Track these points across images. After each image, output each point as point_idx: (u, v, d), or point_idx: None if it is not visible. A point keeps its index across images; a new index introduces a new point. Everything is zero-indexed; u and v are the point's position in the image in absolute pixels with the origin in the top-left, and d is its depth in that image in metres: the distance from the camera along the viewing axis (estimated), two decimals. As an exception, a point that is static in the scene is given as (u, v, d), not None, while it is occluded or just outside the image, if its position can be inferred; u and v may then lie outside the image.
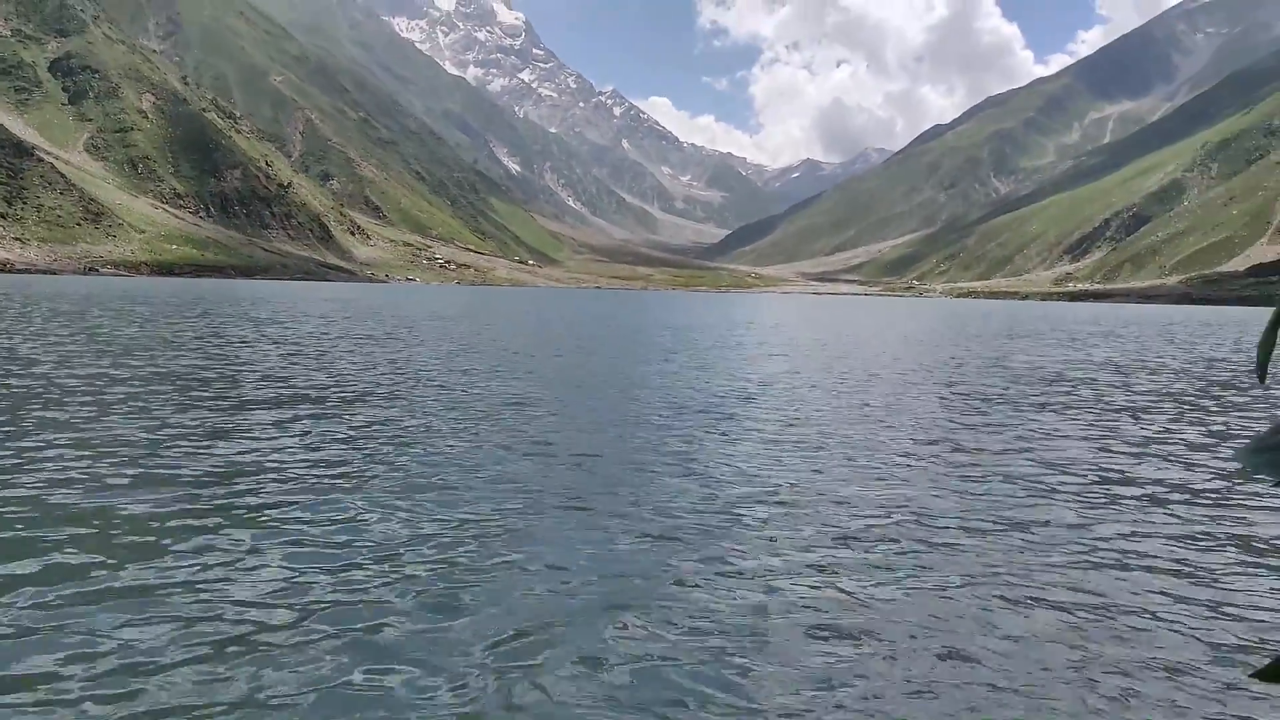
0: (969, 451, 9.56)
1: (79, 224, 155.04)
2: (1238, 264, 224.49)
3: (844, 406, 12.92)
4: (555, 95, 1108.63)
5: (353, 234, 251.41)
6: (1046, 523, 6.70)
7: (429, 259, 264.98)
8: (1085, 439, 10.33)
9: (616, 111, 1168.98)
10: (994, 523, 6.66)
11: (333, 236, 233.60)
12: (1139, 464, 8.93)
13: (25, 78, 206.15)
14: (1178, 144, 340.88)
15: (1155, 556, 5.69)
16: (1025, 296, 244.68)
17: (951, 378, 17.75)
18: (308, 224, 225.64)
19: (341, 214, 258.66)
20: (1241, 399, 14.38)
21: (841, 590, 5.06)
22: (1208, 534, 6.12)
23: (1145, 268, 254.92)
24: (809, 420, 11.43)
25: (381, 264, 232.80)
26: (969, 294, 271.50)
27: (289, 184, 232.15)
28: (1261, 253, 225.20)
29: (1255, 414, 12.30)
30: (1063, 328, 42.63)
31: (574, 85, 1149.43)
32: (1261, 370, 0.81)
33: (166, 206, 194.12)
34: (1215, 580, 5.18)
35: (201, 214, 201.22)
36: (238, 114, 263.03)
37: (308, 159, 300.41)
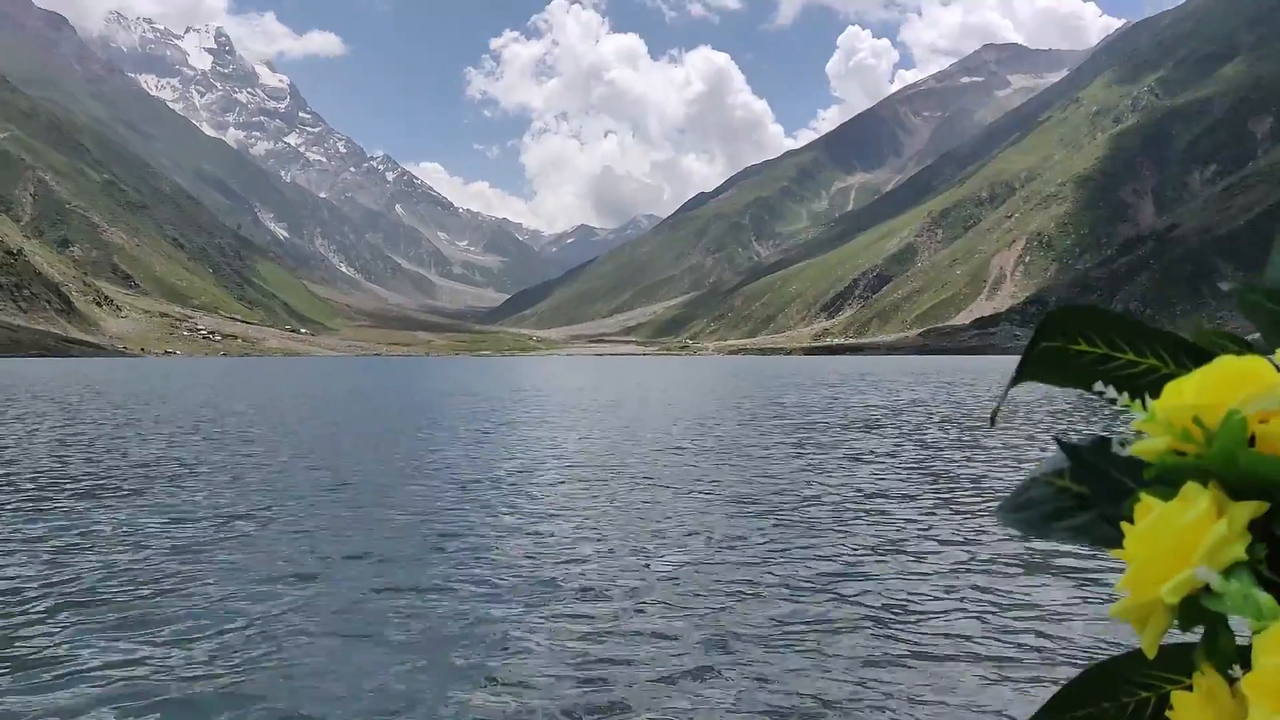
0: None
1: None
2: (963, 318, 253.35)
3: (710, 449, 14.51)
4: (324, 159, 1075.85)
5: (100, 305, 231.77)
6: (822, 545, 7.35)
7: (190, 330, 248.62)
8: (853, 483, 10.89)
9: (389, 176, 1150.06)
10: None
11: (75, 308, 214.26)
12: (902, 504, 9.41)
13: None
14: (909, 212, 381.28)
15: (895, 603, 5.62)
16: (789, 351, 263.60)
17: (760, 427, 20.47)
18: (44, 295, 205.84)
19: (86, 284, 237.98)
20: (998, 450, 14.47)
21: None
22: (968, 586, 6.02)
23: (890, 322, 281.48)
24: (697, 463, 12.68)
25: (136, 337, 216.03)
26: (739, 351, 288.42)
27: (19, 251, 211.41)
28: (981, 307, 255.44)
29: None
30: (836, 380, 47.76)
31: (344, 150, 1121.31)
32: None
33: None
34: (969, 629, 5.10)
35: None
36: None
37: (41, 223, 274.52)
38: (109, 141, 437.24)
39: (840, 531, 7.86)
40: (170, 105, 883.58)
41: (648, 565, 6.61)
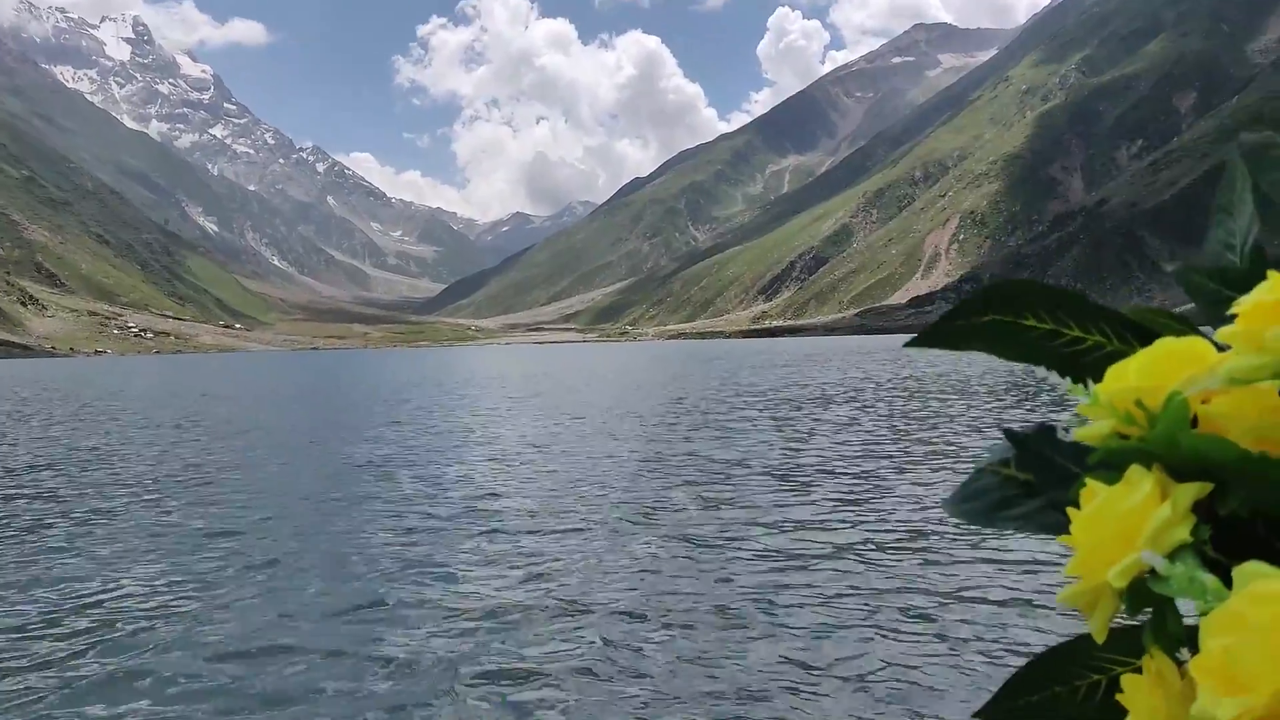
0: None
1: None
2: (899, 297, 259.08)
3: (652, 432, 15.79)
4: (252, 151, 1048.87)
5: (24, 305, 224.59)
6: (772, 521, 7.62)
7: (120, 328, 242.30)
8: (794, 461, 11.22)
9: (319, 168, 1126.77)
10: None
11: (1, 309, 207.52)
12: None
13: None
14: (844, 193, 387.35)
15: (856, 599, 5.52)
16: (729, 335, 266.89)
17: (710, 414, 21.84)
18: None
19: (9, 283, 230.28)
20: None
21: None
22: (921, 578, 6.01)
23: (827, 303, 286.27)
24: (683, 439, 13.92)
25: (64, 337, 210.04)
26: (679, 335, 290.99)
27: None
28: (917, 286, 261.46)
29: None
30: (786, 360, 49.51)
31: (271, 141, 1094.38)
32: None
33: None
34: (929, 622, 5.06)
35: None
36: None
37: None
38: (25, 136, 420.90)
39: (819, 504, 8.23)
40: (88, 98, 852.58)
41: (628, 552, 6.88)
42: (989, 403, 18.44)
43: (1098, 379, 0.52)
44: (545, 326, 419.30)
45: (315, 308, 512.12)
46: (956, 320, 0.51)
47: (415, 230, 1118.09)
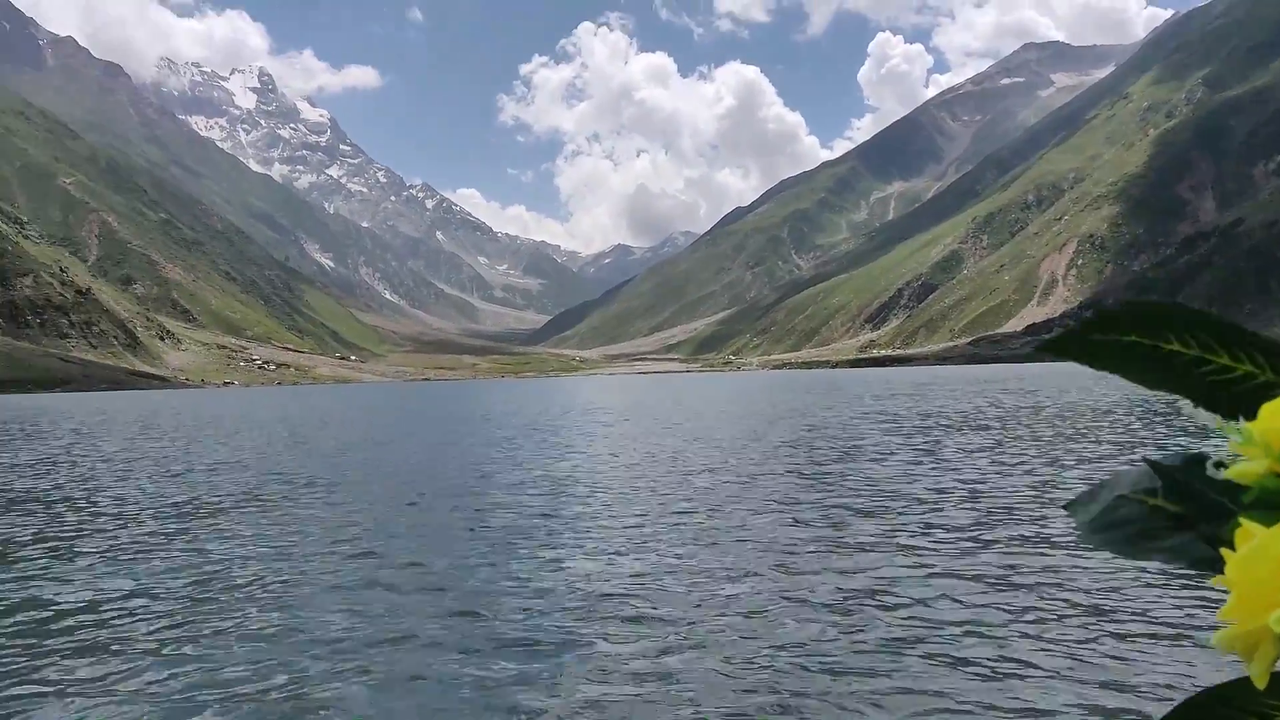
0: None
1: None
2: (1014, 325, 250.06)
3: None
4: (365, 190, 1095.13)
5: (162, 339, 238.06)
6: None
7: (246, 361, 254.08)
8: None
9: (428, 204, 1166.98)
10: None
11: (140, 343, 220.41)
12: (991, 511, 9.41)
13: None
14: (952, 219, 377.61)
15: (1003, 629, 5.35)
16: (835, 365, 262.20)
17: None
18: (111, 331, 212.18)
19: (148, 319, 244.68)
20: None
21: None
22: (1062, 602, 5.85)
23: (938, 332, 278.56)
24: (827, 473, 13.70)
25: (196, 369, 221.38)
26: (783, 365, 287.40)
27: (87, 290, 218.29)
28: (1033, 313, 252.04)
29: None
30: (904, 390, 48.10)
31: (384, 179, 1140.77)
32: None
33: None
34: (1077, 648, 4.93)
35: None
36: (24, 218, 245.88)
37: (106, 263, 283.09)
38: (164, 182, 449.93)
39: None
40: (219, 144, 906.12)
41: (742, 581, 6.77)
42: (1117, 429, 18.05)
43: (1246, 411, 0.50)
44: (648, 357, 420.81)
45: (425, 339, 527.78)
46: (1093, 333, 0.57)
47: (521, 263, 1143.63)
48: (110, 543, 8.99)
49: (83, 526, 10.15)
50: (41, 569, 7.85)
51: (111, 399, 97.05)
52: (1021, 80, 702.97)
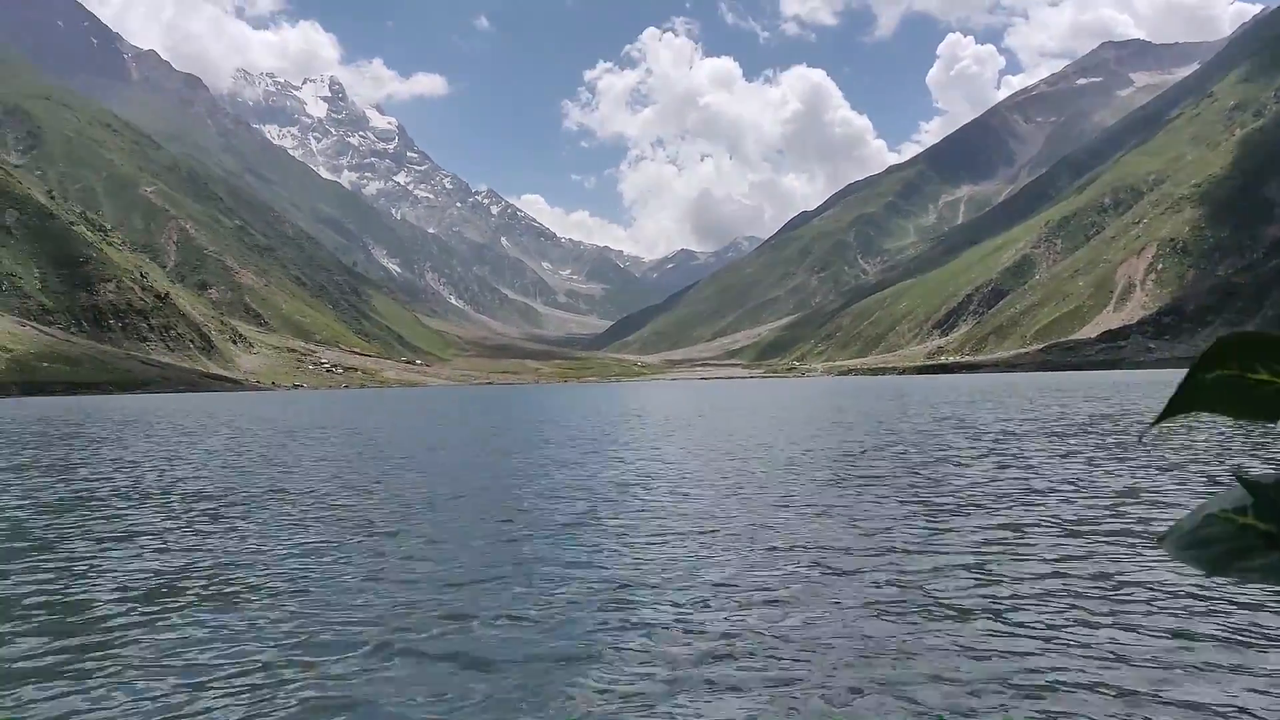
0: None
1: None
2: (1088, 331, 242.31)
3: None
4: (432, 196, 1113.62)
5: (234, 342, 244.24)
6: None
7: (315, 364, 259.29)
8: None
9: (493, 210, 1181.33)
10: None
11: (215, 346, 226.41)
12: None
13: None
14: (1024, 222, 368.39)
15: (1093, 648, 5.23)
16: (901, 371, 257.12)
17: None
18: (188, 335, 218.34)
19: (222, 323, 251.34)
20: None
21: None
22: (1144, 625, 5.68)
23: (1008, 338, 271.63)
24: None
25: (267, 372, 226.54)
26: (849, 371, 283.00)
27: (166, 295, 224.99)
28: (1109, 320, 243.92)
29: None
30: (980, 396, 46.31)
31: (449, 186, 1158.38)
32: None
33: (35, 323, 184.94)
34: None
35: (73, 329, 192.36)
36: (108, 226, 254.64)
37: (183, 268, 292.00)
38: (239, 190, 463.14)
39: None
40: (290, 152, 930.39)
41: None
42: (1214, 438, 17.69)
43: None
44: (710, 362, 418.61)
45: (488, 344, 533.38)
46: (1194, 380, 0.57)
47: (584, 269, 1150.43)
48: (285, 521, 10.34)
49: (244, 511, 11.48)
50: (174, 544, 9.23)
51: (200, 400, 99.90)
52: (1099, 80, 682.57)
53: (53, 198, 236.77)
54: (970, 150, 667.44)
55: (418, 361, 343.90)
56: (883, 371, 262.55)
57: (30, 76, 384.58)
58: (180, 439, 26.87)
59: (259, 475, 15.73)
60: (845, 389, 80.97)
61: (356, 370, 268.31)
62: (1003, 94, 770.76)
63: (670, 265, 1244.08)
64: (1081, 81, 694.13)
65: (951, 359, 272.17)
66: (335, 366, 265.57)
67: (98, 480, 15.25)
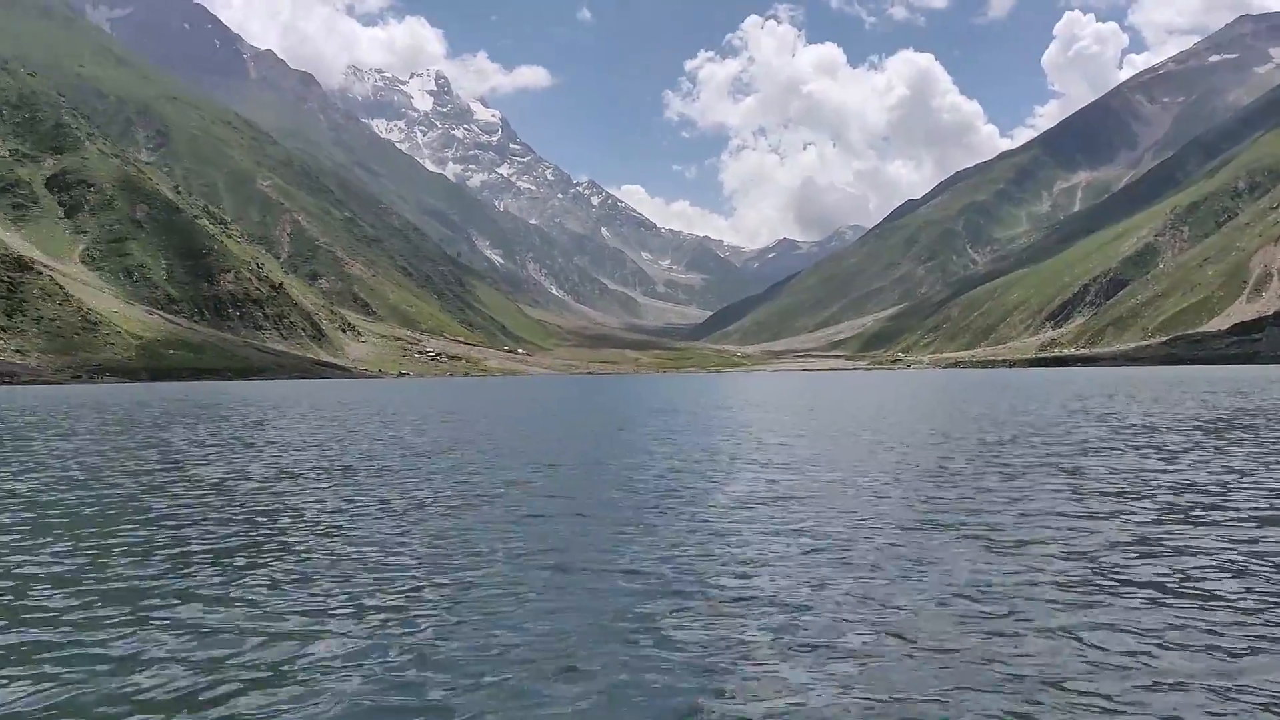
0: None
1: (77, 333, 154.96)
2: (1219, 323, 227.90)
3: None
4: (534, 188, 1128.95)
5: (344, 331, 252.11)
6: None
7: (420, 353, 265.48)
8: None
9: (594, 201, 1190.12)
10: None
11: (325, 334, 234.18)
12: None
13: (22, 195, 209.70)
14: (1148, 209, 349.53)
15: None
16: (1012, 364, 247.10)
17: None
18: (300, 323, 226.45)
19: (332, 312, 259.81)
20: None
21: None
22: None
23: (1128, 330, 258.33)
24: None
25: (375, 360, 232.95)
26: (956, 364, 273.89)
27: (280, 285, 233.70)
28: (1242, 311, 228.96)
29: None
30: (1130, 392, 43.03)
31: (551, 177, 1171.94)
32: None
33: (162, 312, 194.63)
34: None
35: (196, 318, 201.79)
36: (228, 219, 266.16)
37: (296, 259, 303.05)
38: (348, 183, 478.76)
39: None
40: (397, 145, 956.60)
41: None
42: None
43: None
44: (813, 353, 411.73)
45: (588, 333, 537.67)
46: None
47: (684, 259, 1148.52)
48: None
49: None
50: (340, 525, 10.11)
51: (319, 386, 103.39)
52: (1234, 56, 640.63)
53: (178, 192, 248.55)
54: (1089, 134, 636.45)
55: (520, 350, 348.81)
56: (992, 364, 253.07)
57: (159, 78, 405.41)
58: (370, 423, 28.74)
59: (522, 454, 17.36)
60: (965, 381, 77.29)
61: (460, 359, 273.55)
62: (1125, 74, 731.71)
63: (771, 255, 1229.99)
64: (1214, 58, 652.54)
65: (1066, 351, 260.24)
66: (440, 355, 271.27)
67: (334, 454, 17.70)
